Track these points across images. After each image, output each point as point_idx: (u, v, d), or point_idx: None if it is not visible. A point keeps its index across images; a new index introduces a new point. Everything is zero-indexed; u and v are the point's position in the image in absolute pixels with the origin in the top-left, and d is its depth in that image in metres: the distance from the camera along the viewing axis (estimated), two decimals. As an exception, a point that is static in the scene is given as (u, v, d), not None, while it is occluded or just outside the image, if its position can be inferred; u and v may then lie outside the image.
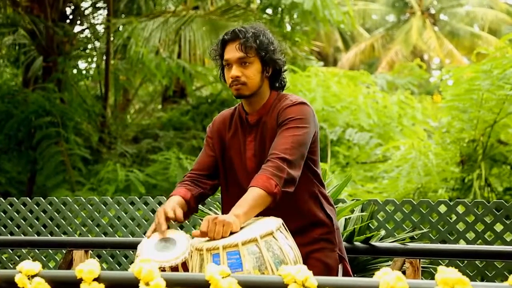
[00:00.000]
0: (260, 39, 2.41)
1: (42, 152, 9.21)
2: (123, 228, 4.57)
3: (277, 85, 2.51)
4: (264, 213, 2.26)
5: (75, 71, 11.19)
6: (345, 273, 2.51)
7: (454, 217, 3.89)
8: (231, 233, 2.13)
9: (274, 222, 2.15)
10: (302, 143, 2.35)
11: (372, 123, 9.68)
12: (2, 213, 4.81)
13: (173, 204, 2.32)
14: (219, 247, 2.02)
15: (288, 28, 11.31)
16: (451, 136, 6.94)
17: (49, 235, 4.69)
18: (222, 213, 2.51)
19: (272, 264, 2.02)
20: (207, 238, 2.13)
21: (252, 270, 1.99)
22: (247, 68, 2.41)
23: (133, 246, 3.60)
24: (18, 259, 4.76)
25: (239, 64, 2.40)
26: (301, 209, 2.44)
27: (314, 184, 2.47)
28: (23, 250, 4.75)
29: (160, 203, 4.49)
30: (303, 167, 2.38)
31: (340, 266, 2.50)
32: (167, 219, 2.26)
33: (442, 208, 3.93)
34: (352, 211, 3.65)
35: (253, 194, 2.22)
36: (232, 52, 2.41)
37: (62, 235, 4.66)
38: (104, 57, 10.66)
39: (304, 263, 2.09)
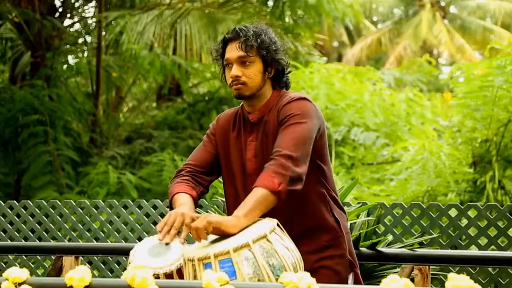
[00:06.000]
0: (262, 38, 2.45)
1: (28, 151, 9.21)
2: (116, 233, 4.56)
3: (280, 86, 2.54)
4: (269, 215, 2.26)
5: (64, 67, 11.19)
6: (356, 282, 2.50)
7: (465, 221, 3.89)
8: (227, 236, 2.13)
9: (268, 224, 2.15)
10: (305, 138, 2.36)
11: (379, 122, 9.66)
12: (-13, 217, 4.81)
13: (194, 217, 2.27)
14: (210, 256, 2.01)
15: (290, 21, 11.31)
16: (462, 135, 6.93)
17: (37, 240, 4.69)
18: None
19: (268, 270, 2.01)
20: (200, 246, 2.13)
21: (247, 277, 1.99)
22: (248, 67, 2.44)
23: (126, 252, 3.59)
24: (4, 265, 4.76)
25: (239, 64, 2.44)
26: (308, 211, 2.44)
27: (323, 185, 2.47)
28: (9, 256, 4.75)
29: (154, 207, 4.49)
30: (311, 166, 2.38)
31: (351, 275, 2.49)
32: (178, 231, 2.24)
33: (453, 212, 3.93)
34: (357, 215, 3.65)
35: (255, 194, 2.23)
36: (233, 51, 2.44)
37: (51, 240, 4.66)
38: (96, 53, 10.66)
39: (313, 271, 2.08)
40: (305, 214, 2.44)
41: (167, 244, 2.20)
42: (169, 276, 2.12)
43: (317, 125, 2.42)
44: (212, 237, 2.23)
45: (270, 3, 11.17)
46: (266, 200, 2.23)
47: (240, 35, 2.44)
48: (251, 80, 2.44)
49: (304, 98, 2.45)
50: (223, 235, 2.16)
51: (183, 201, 2.38)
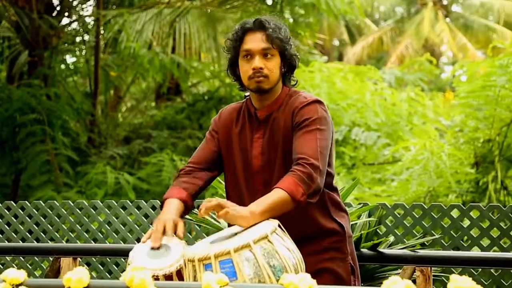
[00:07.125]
0: (282, 32, 2.44)
1: (26, 150, 9.21)
2: (114, 234, 4.56)
3: (289, 82, 2.54)
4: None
5: (62, 66, 11.19)
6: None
7: (467, 222, 3.89)
8: (228, 236, 2.14)
9: (269, 225, 2.14)
10: (327, 147, 2.37)
11: (380, 122, 9.67)
12: (-16, 218, 4.81)
13: (175, 218, 2.30)
14: (210, 256, 2.01)
15: (290, 20, 11.31)
16: (464, 135, 6.94)
17: (35, 241, 4.69)
18: None
19: (269, 270, 2.01)
20: (200, 246, 2.14)
21: (247, 278, 1.99)
22: (270, 60, 2.42)
23: (125, 253, 3.60)
24: (2, 267, 4.75)
25: (262, 56, 2.41)
26: (307, 218, 2.43)
27: (326, 189, 2.46)
28: (7, 257, 4.74)
29: (153, 208, 4.49)
30: None
31: (352, 278, 2.50)
32: (165, 231, 2.25)
33: (455, 213, 3.92)
34: (359, 216, 3.65)
35: (277, 196, 2.22)
36: (256, 42, 2.41)
37: (48, 241, 4.66)
38: (94, 52, 10.66)
39: (314, 273, 2.07)
40: (305, 220, 2.43)
41: (156, 248, 2.19)
42: (168, 277, 2.12)
43: (331, 131, 2.44)
44: (213, 237, 2.23)
45: (269, 2, 11.16)
46: (285, 204, 2.22)
47: (265, 27, 2.41)
48: (272, 73, 2.42)
49: (320, 102, 2.45)
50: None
51: (168, 208, 2.37)
